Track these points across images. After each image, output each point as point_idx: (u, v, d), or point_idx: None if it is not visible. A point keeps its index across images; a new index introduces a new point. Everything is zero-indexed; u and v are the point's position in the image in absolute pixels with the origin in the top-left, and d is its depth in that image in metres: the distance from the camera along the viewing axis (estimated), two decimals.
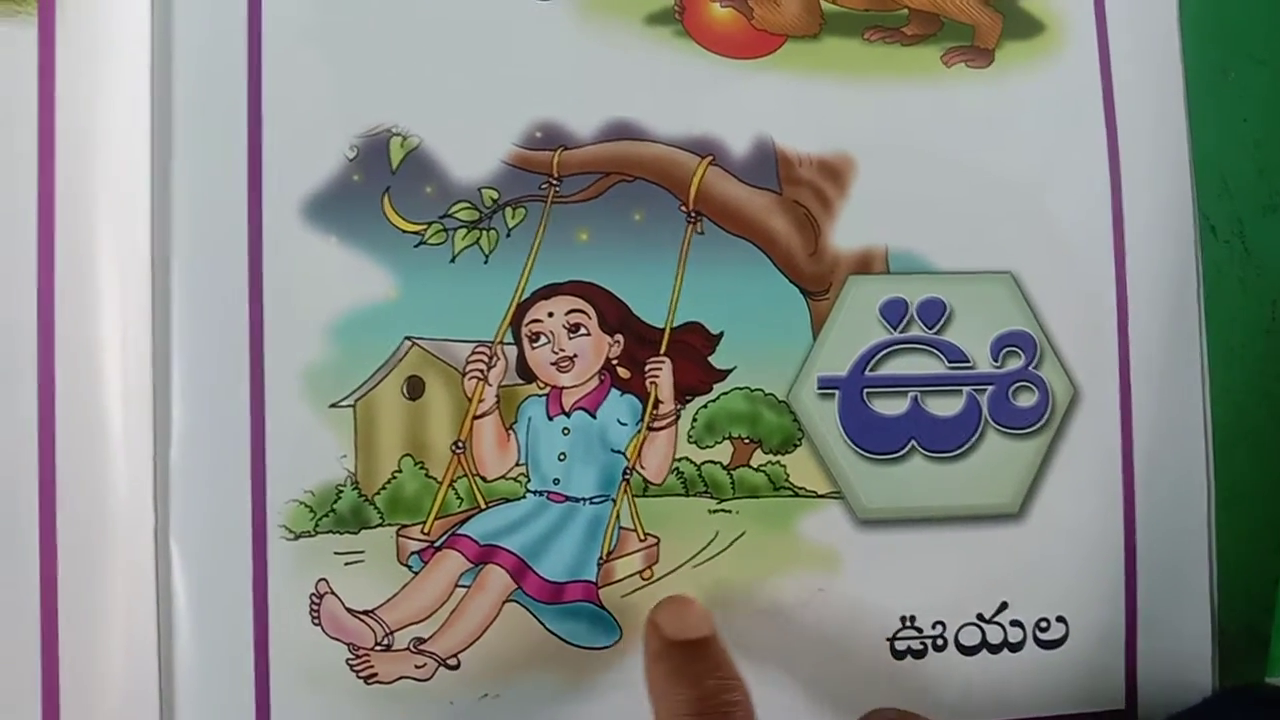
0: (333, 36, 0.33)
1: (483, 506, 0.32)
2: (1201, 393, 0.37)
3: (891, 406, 0.35)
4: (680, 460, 0.33)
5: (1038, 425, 0.35)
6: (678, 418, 0.33)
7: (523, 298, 0.33)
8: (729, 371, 0.34)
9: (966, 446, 0.35)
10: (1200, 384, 0.37)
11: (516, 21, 0.34)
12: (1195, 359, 0.37)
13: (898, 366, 0.35)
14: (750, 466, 0.34)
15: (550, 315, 0.33)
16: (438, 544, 0.32)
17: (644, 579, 0.33)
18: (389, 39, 0.33)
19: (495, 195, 0.33)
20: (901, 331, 0.35)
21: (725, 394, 0.34)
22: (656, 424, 0.33)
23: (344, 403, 0.32)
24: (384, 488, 0.32)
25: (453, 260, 0.33)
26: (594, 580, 0.33)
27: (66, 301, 0.31)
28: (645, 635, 0.31)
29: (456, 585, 0.32)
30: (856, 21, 0.36)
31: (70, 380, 0.31)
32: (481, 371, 0.33)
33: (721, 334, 0.34)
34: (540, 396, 0.33)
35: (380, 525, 0.32)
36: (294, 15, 0.33)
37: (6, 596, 0.30)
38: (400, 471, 0.32)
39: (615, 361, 0.33)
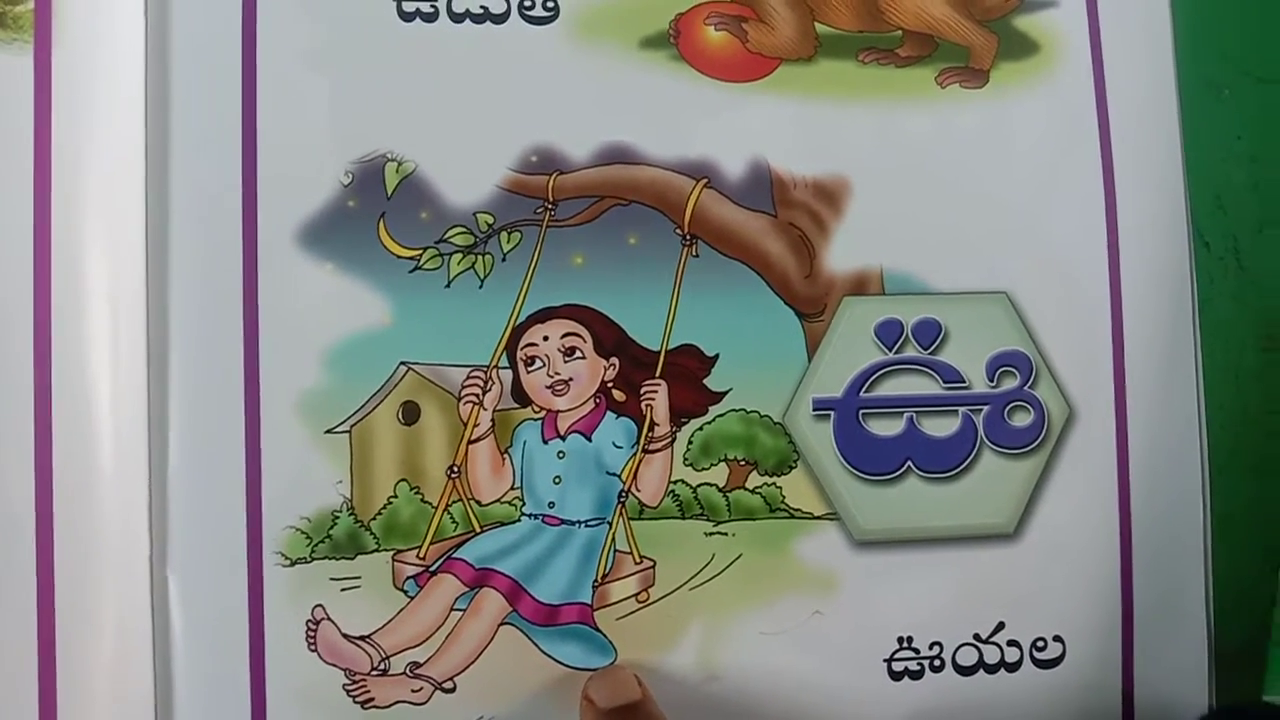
0: (327, 62, 0.33)
1: (478, 530, 0.32)
2: (1197, 411, 0.37)
3: (887, 427, 0.35)
4: (676, 483, 0.33)
5: (1033, 445, 0.35)
6: (673, 440, 0.33)
7: (518, 321, 0.33)
8: (724, 394, 0.34)
9: (962, 467, 0.35)
10: (1195, 402, 0.37)
11: (511, 46, 0.34)
12: (1190, 377, 0.37)
13: (893, 387, 0.35)
14: (746, 489, 0.34)
15: (545, 339, 0.33)
16: (433, 568, 0.32)
17: (640, 602, 0.33)
18: (384, 64, 0.33)
19: (490, 220, 0.33)
20: (897, 352, 0.35)
21: (721, 416, 0.34)
22: (652, 447, 0.33)
23: (339, 428, 0.32)
24: (380, 513, 0.32)
25: (448, 285, 0.33)
26: (589, 603, 0.33)
27: (61, 327, 0.31)
28: (580, 711, 0.31)
29: (452, 609, 0.32)
30: (851, 43, 0.36)
31: (64, 406, 0.31)
32: (477, 396, 0.33)
33: (717, 356, 0.34)
34: (535, 420, 0.33)
35: (376, 550, 0.32)
36: (289, 41, 0.33)
37: (1, 623, 0.30)
38: (396, 497, 0.32)
39: (610, 384, 0.33)
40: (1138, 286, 0.36)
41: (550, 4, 0.34)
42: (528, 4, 0.34)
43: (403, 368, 0.32)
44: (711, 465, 0.34)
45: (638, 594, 0.33)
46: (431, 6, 0.33)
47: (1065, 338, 0.36)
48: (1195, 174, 0.37)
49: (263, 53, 0.32)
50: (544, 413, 0.33)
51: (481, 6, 0.34)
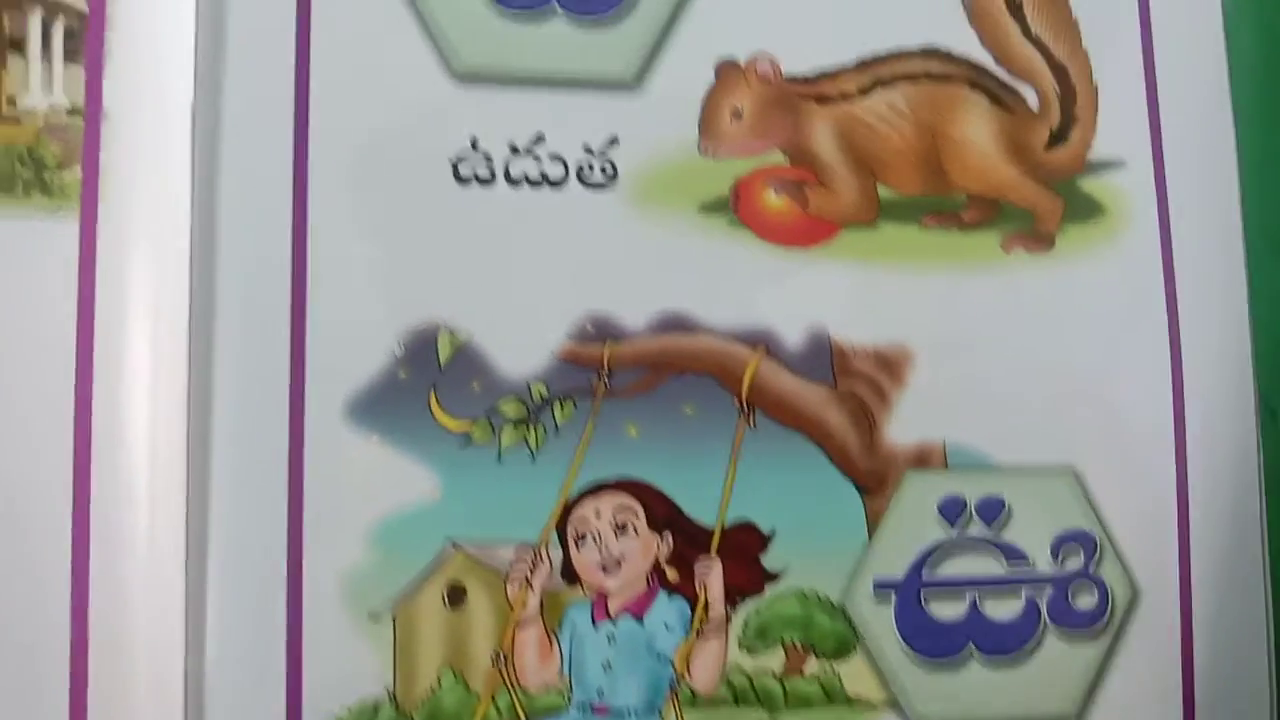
0: (380, 229, 0.32)
1: None
2: (1263, 589, 0.35)
3: (949, 609, 0.33)
4: (731, 669, 0.32)
5: (1097, 627, 0.34)
6: (728, 622, 0.32)
7: (569, 496, 0.32)
8: (781, 574, 0.33)
9: (1025, 650, 0.34)
10: (1262, 580, 0.36)
11: (568, 211, 0.33)
12: (1256, 554, 0.36)
13: (956, 567, 0.34)
14: (803, 674, 0.32)
15: (597, 515, 0.32)
16: None
17: None
18: (438, 231, 0.32)
19: (544, 390, 0.32)
20: (960, 530, 0.34)
21: (777, 596, 0.33)
22: (706, 630, 0.32)
23: (383, 611, 0.31)
24: (423, 703, 0.31)
25: (499, 458, 0.32)
26: None
27: (102, 499, 0.30)
28: None
29: None
30: (914, 207, 0.35)
31: (101, 581, 0.30)
32: (525, 576, 0.31)
33: (774, 533, 0.33)
34: (585, 602, 0.32)
35: None
36: (340, 208, 0.32)
37: None
38: (440, 686, 0.31)
39: (663, 562, 0.32)
40: (1203, 460, 0.35)
41: (609, 169, 0.33)
42: (586, 169, 0.33)
43: (450, 546, 0.31)
44: (767, 648, 0.32)
45: None
46: (489, 171, 0.33)
47: (1130, 515, 0.35)
48: (1262, 342, 0.36)
49: (314, 219, 0.31)
50: (594, 593, 0.32)
51: (540, 171, 0.33)
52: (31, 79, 0.30)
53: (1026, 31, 0.36)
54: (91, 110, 0.30)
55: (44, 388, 0.29)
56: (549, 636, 0.31)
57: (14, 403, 0.29)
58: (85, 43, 0.30)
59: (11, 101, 0.29)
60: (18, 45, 0.30)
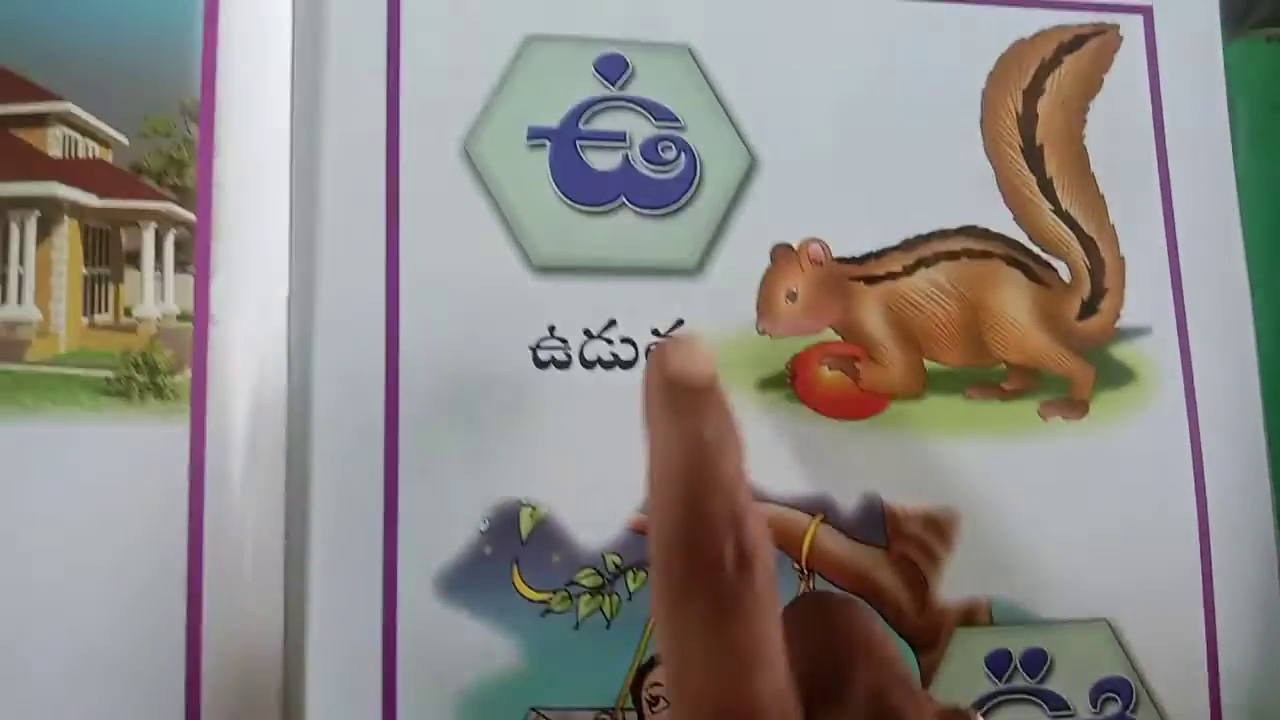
0: (465, 411, 0.34)
1: None
2: None
3: None
4: None
5: None
6: None
7: (643, 661, 0.34)
8: None
9: None
10: None
11: (638, 391, 0.35)
12: None
13: (1005, 717, 0.36)
14: None
15: None
16: None
17: None
18: (519, 412, 0.34)
19: (618, 560, 0.34)
20: (1006, 682, 0.36)
21: None
22: None
23: None
24: None
25: (576, 627, 0.34)
26: None
27: (210, 664, 0.31)
28: (648, 366, 0.28)
29: None
30: (959, 379, 0.37)
31: None
32: None
33: None
34: None
35: None
36: (428, 392, 0.34)
37: None
38: None
39: None
40: (1231, 609, 0.38)
41: None
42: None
43: (532, 713, 0.33)
44: None
45: None
46: (565, 354, 0.35)
47: (1163, 662, 0.37)
48: None
49: (404, 408, 0.33)
50: None
51: (612, 354, 0.35)
52: (146, 289, 0.32)
53: (1057, 209, 0.38)
54: (200, 315, 0.32)
55: (158, 591, 0.31)
56: None
57: (129, 603, 0.31)
58: (195, 253, 0.32)
59: (128, 311, 0.31)
60: (133, 258, 0.32)
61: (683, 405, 0.26)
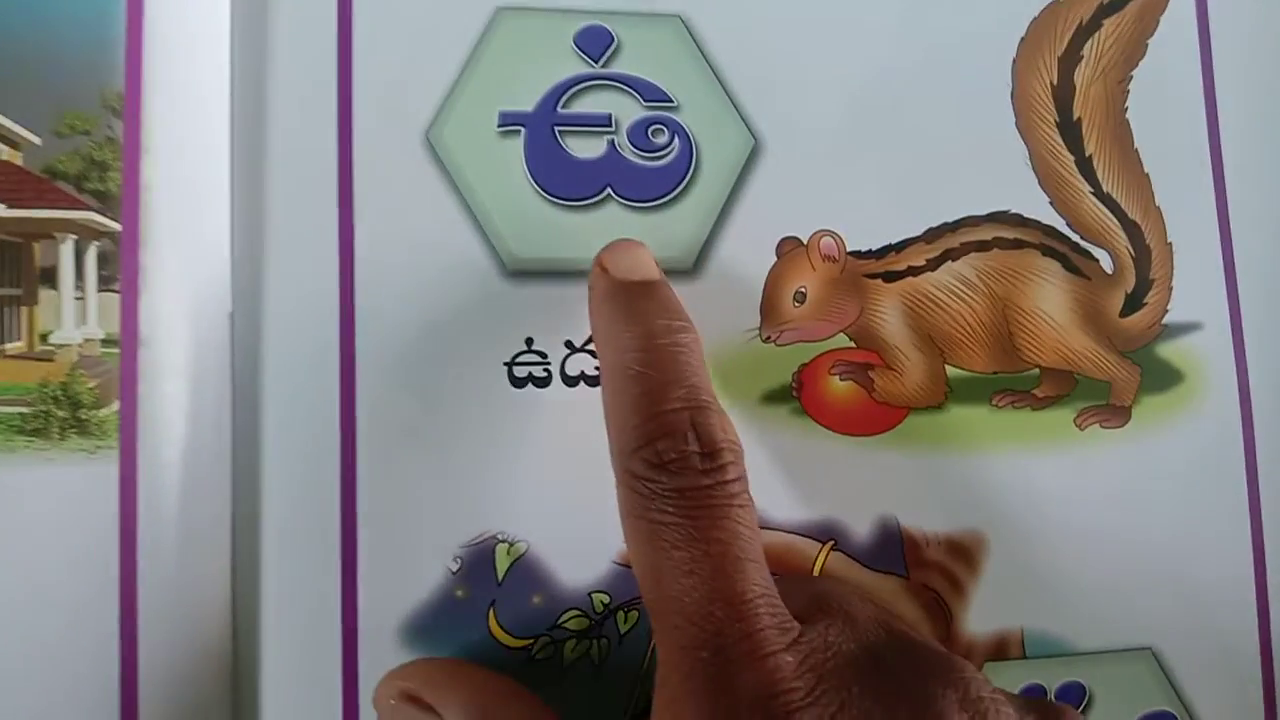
0: (432, 438, 0.30)
1: None
2: None
3: None
4: None
5: None
6: None
7: (636, 709, 0.31)
8: None
9: None
10: None
11: None
12: None
13: None
14: None
15: None
16: None
17: None
18: (493, 436, 0.31)
19: (606, 599, 0.31)
20: None
21: None
22: None
23: None
24: None
25: (561, 673, 0.30)
26: None
27: None
28: (591, 278, 0.29)
29: None
30: (984, 386, 0.33)
31: None
32: None
33: None
34: None
35: None
36: (390, 416, 0.30)
37: None
38: None
39: None
40: None
41: None
42: None
43: None
44: None
45: None
46: (544, 370, 0.31)
47: (1214, 694, 0.34)
48: None
49: (362, 429, 0.30)
50: None
51: (595, 367, 0.31)
52: (64, 311, 0.28)
53: (1097, 190, 0.34)
54: (127, 339, 0.28)
55: (89, 630, 0.28)
56: None
57: (60, 644, 0.28)
58: (120, 267, 0.28)
59: (44, 337, 0.28)
60: (48, 276, 0.28)
61: (635, 306, 0.26)
